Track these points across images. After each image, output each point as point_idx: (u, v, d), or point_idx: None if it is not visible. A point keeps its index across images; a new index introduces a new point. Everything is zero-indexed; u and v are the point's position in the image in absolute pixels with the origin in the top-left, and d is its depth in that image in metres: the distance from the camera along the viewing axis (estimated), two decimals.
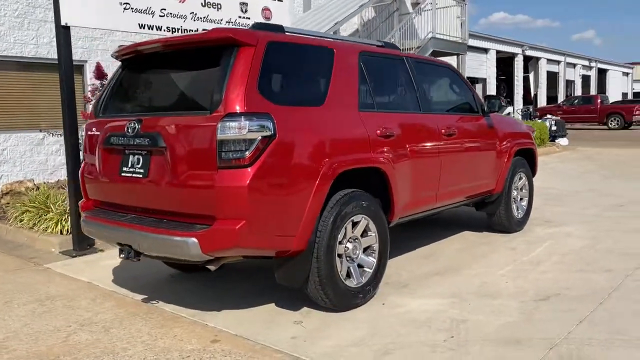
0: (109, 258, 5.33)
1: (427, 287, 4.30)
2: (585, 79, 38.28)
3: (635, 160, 13.25)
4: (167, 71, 3.87)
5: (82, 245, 5.70)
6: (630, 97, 43.92)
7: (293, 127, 3.39)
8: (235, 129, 3.14)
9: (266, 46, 3.43)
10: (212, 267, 3.51)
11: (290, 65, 3.64)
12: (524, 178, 6.12)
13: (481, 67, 25.32)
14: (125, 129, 3.63)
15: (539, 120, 17.71)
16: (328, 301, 3.68)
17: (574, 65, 36.05)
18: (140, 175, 3.59)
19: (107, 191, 3.93)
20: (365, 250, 3.94)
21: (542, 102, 30.87)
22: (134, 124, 3.58)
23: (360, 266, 3.91)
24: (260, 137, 3.18)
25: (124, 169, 3.71)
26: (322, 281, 3.58)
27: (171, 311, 3.92)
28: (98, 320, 3.78)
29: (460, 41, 15.50)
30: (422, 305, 3.91)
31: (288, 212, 3.37)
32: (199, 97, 3.52)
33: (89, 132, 4.05)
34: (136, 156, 3.64)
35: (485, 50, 25.38)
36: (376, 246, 3.99)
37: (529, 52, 28.97)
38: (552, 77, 33.14)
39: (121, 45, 4.11)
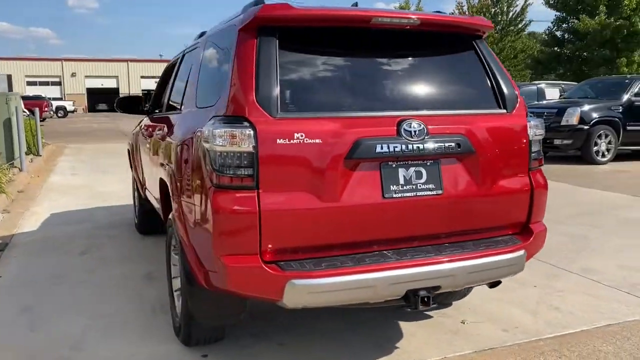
0: None
1: None
2: None
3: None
4: (408, 55, 2.87)
5: None
6: None
7: None
8: (540, 129, 3.07)
9: None
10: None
11: None
12: None
13: None
14: (400, 131, 2.62)
15: None
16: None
17: None
18: (432, 193, 2.71)
19: (342, 226, 2.58)
20: None
21: None
22: (417, 124, 2.66)
23: None
24: None
25: (393, 187, 2.65)
26: None
27: None
28: None
29: None
30: None
31: None
32: (476, 92, 2.98)
33: (281, 141, 2.47)
34: (413, 168, 2.69)
35: None
36: None
37: None
38: None
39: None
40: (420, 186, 2.70)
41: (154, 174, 4.08)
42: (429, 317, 3.74)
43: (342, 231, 2.60)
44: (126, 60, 62.42)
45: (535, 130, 3.01)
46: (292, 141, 2.48)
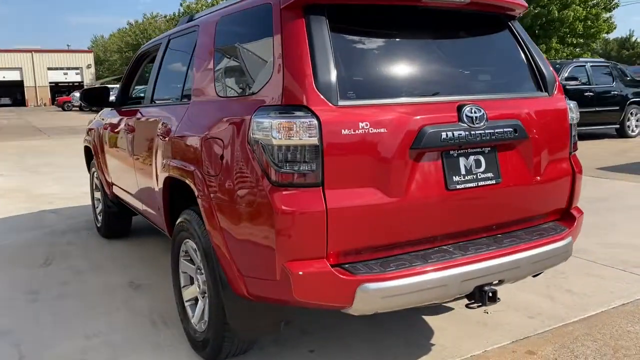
0: None
1: None
2: None
3: None
4: (455, 36, 2.75)
5: None
6: None
7: None
8: (577, 111, 3.01)
9: None
10: None
11: None
12: None
13: None
14: (462, 117, 2.46)
15: None
16: None
17: None
18: (491, 182, 2.58)
19: (407, 222, 2.39)
20: None
21: None
22: (477, 109, 2.50)
23: None
24: None
25: (455, 178, 2.48)
26: None
27: None
28: None
29: None
30: None
31: None
32: (519, 74, 2.86)
33: (346, 132, 2.24)
34: (473, 156, 2.54)
35: None
36: None
37: None
38: None
39: None
40: (479, 175, 2.55)
41: (147, 174, 3.68)
42: (451, 309, 3.63)
43: (407, 227, 2.41)
44: (30, 51, 58.17)
45: (574, 113, 2.95)
46: (357, 131, 2.24)
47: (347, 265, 2.29)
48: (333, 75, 2.27)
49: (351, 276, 2.22)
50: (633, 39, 60.26)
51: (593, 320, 3.43)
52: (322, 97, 2.22)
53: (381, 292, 2.23)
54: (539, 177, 2.76)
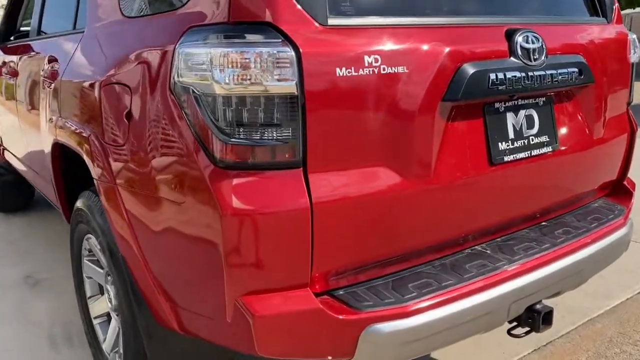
0: None
1: None
2: None
3: None
4: None
5: None
6: None
7: None
8: (638, 45, 2.20)
9: None
10: None
11: None
12: None
13: None
14: (515, 49, 1.58)
15: None
16: None
17: None
18: (546, 150, 1.74)
19: (433, 217, 1.52)
20: None
21: None
22: (535, 37, 1.63)
23: None
24: None
25: (502, 146, 1.63)
26: None
27: None
28: None
29: None
30: None
31: None
32: None
33: (343, 72, 1.31)
34: (523, 111, 1.69)
35: None
36: None
37: None
38: None
39: None
40: (532, 140, 1.71)
41: (35, 134, 2.63)
42: None
43: (431, 225, 1.54)
44: None
45: (636, 47, 2.14)
46: (360, 71, 1.32)
47: (341, 292, 1.41)
48: None
49: (352, 313, 1.34)
50: None
51: (621, 312, 2.80)
52: (300, 9, 1.27)
53: (401, 335, 1.37)
54: (598, 139, 1.95)
